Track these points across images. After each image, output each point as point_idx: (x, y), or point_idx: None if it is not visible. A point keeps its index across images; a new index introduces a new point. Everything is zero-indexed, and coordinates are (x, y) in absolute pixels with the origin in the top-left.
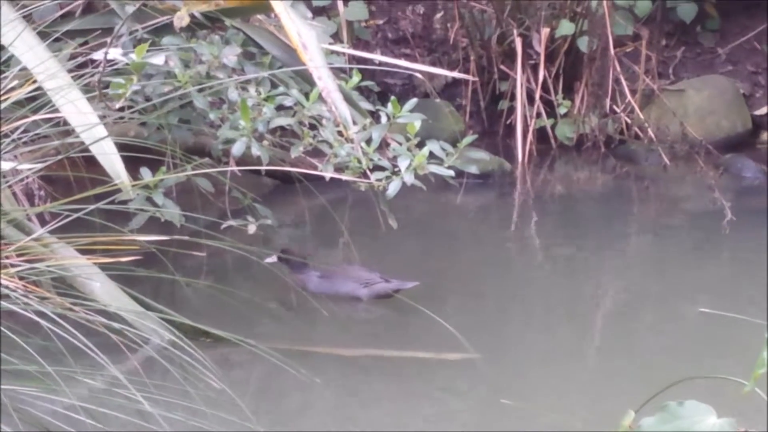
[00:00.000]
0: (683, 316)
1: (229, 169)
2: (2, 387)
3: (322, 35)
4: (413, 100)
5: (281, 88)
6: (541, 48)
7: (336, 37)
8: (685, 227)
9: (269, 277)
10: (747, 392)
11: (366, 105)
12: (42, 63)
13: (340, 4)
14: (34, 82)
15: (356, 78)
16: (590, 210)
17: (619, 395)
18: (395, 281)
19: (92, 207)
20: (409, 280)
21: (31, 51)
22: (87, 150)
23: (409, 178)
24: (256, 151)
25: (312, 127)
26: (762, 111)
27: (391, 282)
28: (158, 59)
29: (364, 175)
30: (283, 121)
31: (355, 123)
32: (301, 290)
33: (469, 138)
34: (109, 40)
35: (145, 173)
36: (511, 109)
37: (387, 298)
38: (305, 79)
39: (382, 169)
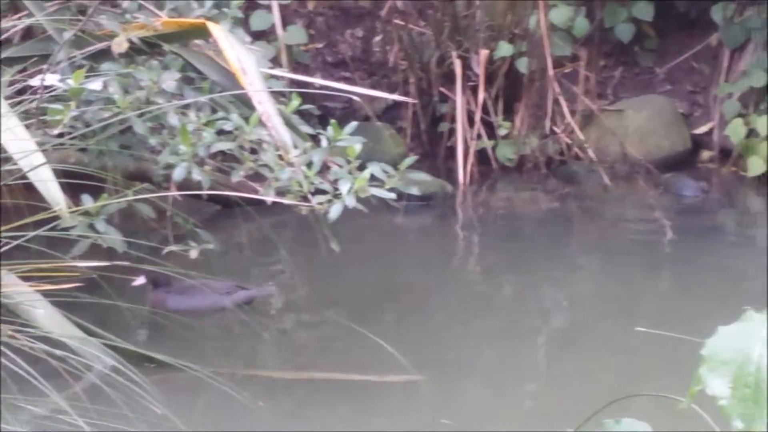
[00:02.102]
0: (625, 334)
1: (171, 194)
2: None
3: (261, 59)
4: (353, 124)
5: (221, 113)
6: (480, 70)
7: (275, 61)
8: (626, 246)
9: None
10: (684, 409)
11: (306, 128)
12: None
13: (279, 28)
14: None
15: (296, 102)
16: (532, 231)
17: (560, 414)
18: (254, 288)
19: (33, 234)
20: (267, 286)
21: None
22: (26, 177)
23: (351, 201)
24: (197, 176)
25: (253, 151)
26: (701, 130)
27: (251, 289)
28: (96, 84)
29: (306, 199)
30: (224, 145)
31: (295, 147)
32: (161, 310)
33: (410, 160)
34: (46, 66)
35: (86, 200)
36: (452, 131)
37: (249, 304)
38: (245, 104)
39: (323, 192)
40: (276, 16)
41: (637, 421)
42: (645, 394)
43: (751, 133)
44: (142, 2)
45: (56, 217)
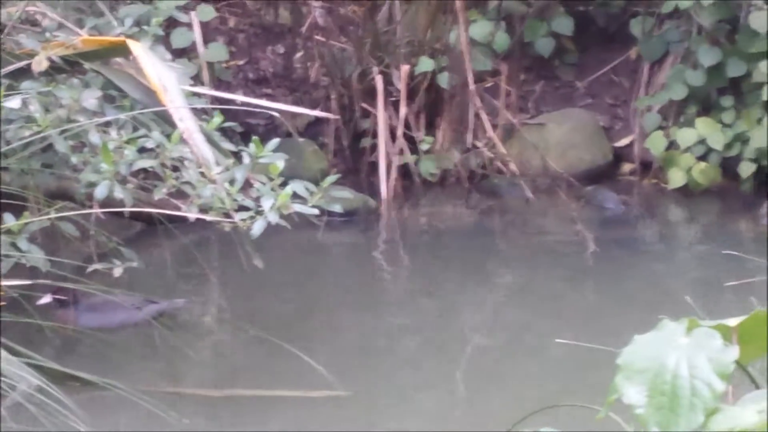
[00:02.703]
0: (548, 346)
1: (93, 212)
2: None
3: (182, 77)
4: (275, 140)
5: (143, 131)
6: (401, 85)
7: (197, 79)
8: (549, 260)
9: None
10: (601, 418)
11: (228, 146)
12: None
13: (200, 46)
14: None
15: (218, 119)
16: (455, 245)
17: (483, 426)
18: (164, 301)
19: None
20: (176, 299)
21: None
22: None
23: (273, 218)
24: (119, 194)
25: (175, 168)
26: (622, 143)
27: (160, 303)
28: (15, 103)
29: (228, 216)
30: (146, 163)
31: (217, 164)
32: (70, 327)
33: (333, 177)
34: None
35: (8, 218)
36: (374, 147)
37: (160, 317)
38: (167, 121)
39: (246, 209)
40: (197, 34)
41: (552, 430)
42: (564, 405)
43: (671, 145)
44: (62, 21)
45: None
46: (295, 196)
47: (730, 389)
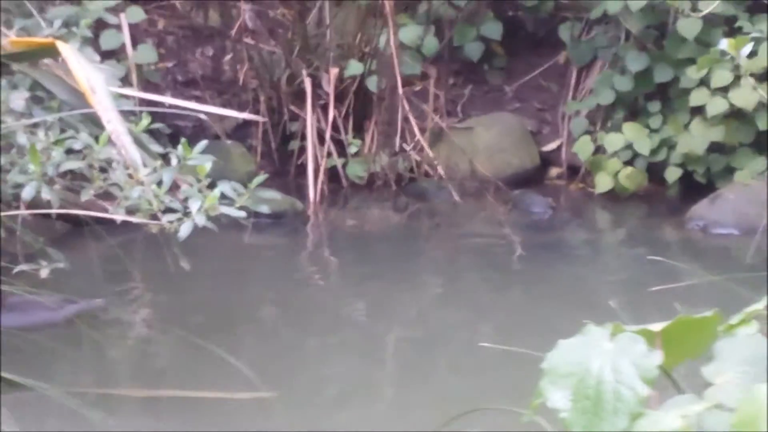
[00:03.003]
0: (474, 350)
1: (20, 213)
2: None
3: (110, 78)
4: (203, 142)
5: (70, 132)
6: (330, 88)
7: (126, 81)
8: (476, 263)
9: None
10: (526, 422)
11: (156, 147)
12: None
13: (129, 48)
14: None
15: (146, 121)
16: (383, 247)
17: (409, 428)
18: (83, 301)
19: None
20: (95, 299)
21: None
22: None
23: (201, 220)
24: (46, 195)
25: (102, 170)
26: (550, 147)
27: (79, 302)
28: None
29: (156, 218)
30: (73, 164)
31: (145, 165)
32: None
33: (260, 178)
34: None
35: None
36: (303, 149)
37: (82, 317)
38: (95, 123)
39: (173, 211)
40: (126, 36)
41: None
42: (489, 408)
43: (599, 150)
44: None
45: None
46: (223, 198)
47: (655, 394)
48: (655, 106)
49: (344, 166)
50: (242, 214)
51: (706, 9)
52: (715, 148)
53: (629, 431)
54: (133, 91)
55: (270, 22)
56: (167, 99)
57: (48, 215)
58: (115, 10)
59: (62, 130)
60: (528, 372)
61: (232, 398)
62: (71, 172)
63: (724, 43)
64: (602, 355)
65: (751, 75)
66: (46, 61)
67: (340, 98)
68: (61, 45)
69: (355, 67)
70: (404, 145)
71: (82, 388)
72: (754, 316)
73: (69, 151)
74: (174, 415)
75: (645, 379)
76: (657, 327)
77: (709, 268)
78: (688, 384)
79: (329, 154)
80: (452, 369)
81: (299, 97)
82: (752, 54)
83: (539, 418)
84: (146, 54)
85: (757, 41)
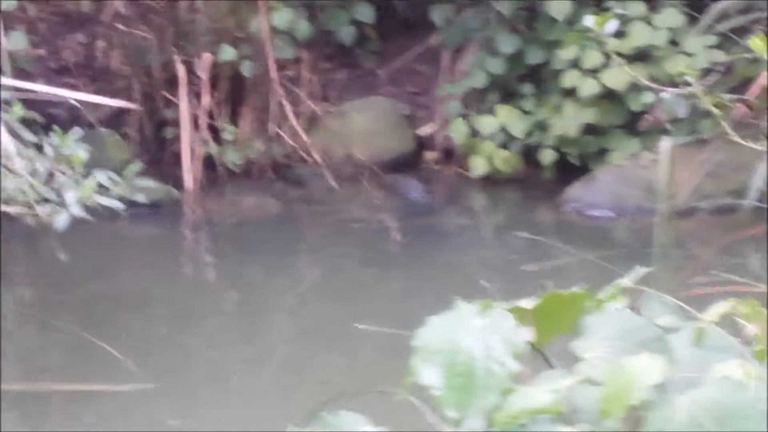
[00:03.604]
0: (353, 334)
1: None
2: None
3: None
4: (78, 131)
5: None
6: (204, 74)
7: None
8: (354, 248)
9: None
10: (400, 400)
11: (30, 136)
12: None
13: (0, 35)
14: None
15: (19, 109)
16: (260, 234)
17: (289, 412)
18: None
19: None
20: None
21: None
22: None
23: (77, 210)
24: None
25: None
26: (425, 131)
27: None
28: None
29: (32, 208)
30: None
31: (20, 155)
32: None
33: (135, 166)
34: None
35: None
36: (178, 137)
37: None
38: None
39: (50, 200)
40: None
41: (354, 414)
42: (366, 391)
43: (473, 133)
44: None
45: None
46: (99, 187)
47: (527, 371)
48: (528, 89)
49: (220, 153)
50: (118, 203)
51: None
52: (588, 129)
53: (500, 408)
54: (5, 80)
55: (142, 8)
56: (40, 87)
57: None
58: None
59: None
60: (403, 353)
61: (114, 390)
62: None
63: (589, 20)
64: (472, 331)
65: (623, 56)
66: None
67: (214, 84)
68: None
69: (228, 53)
70: (279, 131)
71: None
72: (622, 291)
73: None
74: (57, 407)
75: (515, 354)
76: (528, 304)
77: (584, 249)
78: (561, 360)
79: (204, 141)
80: (330, 353)
81: (173, 83)
82: (623, 34)
83: (412, 397)
84: (18, 41)
85: (629, 22)
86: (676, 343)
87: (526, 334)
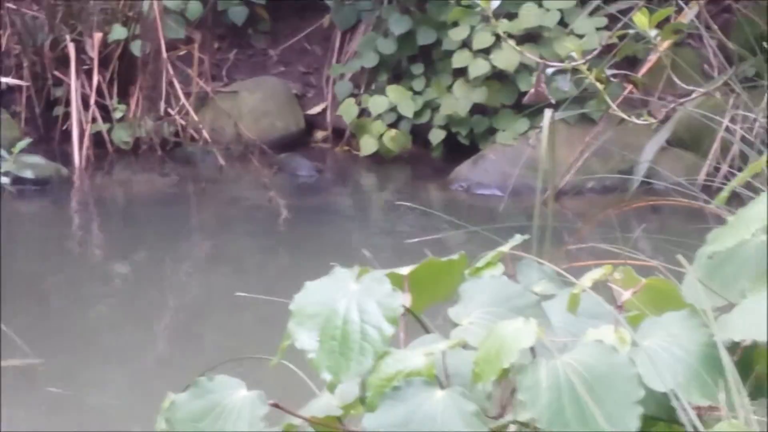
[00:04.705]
0: (237, 306)
1: None
2: None
3: None
4: None
5: None
6: (94, 53)
7: None
8: (242, 226)
9: None
10: (275, 365)
11: None
12: None
13: None
14: None
15: None
16: (149, 212)
17: (174, 381)
18: None
19: None
20: None
21: None
22: None
23: None
24: None
25: None
26: (315, 110)
27: None
28: None
29: None
30: None
31: None
32: None
33: (23, 143)
34: None
35: None
36: (67, 115)
37: None
38: None
39: None
40: None
41: (230, 378)
42: (246, 357)
43: (363, 112)
44: None
45: None
46: None
47: (404, 336)
48: (418, 69)
49: (109, 131)
50: (6, 180)
51: None
52: (477, 109)
53: (375, 371)
54: None
55: None
56: None
57: None
58: None
59: None
60: (285, 321)
61: (4, 365)
62: None
63: None
64: (348, 295)
65: (513, 37)
66: None
67: (104, 63)
68: None
69: (119, 32)
70: (169, 110)
71: None
72: (499, 259)
73: None
74: None
75: (390, 318)
76: (405, 270)
77: (470, 224)
78: (442, 328)
79: (94, 120)
80: (214, 326)
81: (63, 62)
82: (514, 16)
83: (288, 362)
84: None
85: (521, 4)
86: (551, 310)
87: (402, 299)
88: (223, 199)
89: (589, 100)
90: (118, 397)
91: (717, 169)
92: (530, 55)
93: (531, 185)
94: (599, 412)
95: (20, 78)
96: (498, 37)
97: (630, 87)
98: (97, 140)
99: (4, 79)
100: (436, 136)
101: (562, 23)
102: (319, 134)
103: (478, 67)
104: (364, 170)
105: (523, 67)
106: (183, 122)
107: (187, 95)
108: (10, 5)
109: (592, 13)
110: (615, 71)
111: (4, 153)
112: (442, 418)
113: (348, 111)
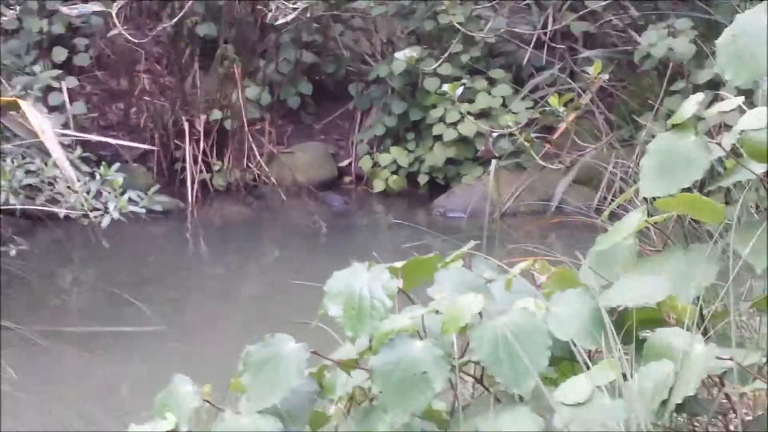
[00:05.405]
0: (294, 289)
1: None
2: None
3: (55, 124)
4: (116, 165)
5: (28, 159)
6: (201, 128)
7: (66, 126)
8: (297, 239)
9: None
10: (313, 327)
11: (86, 168)
12: None
13: (67, 104)
14: None
15: (79, 151)
16: (237, 231)
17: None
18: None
19: None
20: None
21: None
22: None
23: (116, 214)
24: (13, 200)
25: (50, 183)
26: (344, 163)
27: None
28: None
29: (86, 215)
30: (31, 180)
31: (79, 180)
32: None
33: (155, 188)
34: None
35: None
36: (183, 168)
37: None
38: (45, 153)
39: (97, 209)
40: (65, 96)
41: (285, 335)
42: (293, 322)
43: (375, 164)
44: None
45: None
46: (131, 201)
47: (398, 306)
48: (411, 136)
49: (211, 178)
50: (142, 210)
51: (443, 71)
52: (450, 161)
53: (379, 329)
54: (71, 132)
55: (161, 85)
56: (93, 137)
57: (13, 213)
58: (57, 79)
59: (23, 157)
60: (320, 299)
61: (139, 331)
62: (29, 185)
63: (446, 87)
64: (362, 280)
65: (471, 114)
66: (12, 113)
67: (207, 134)
68: (22, 103)
69: (216, 114)
70: (249, 164)
71: (41, 326)
72: (461, 257)
73: (27, 172)
74: (101, 345)
75: (389, 295)
76: (399, 264)
77: (444, 235)
78: (423, 301)
79: (201, 171)
80: (277, 303)
81: (181, 134)
82: (472, 101)
83: (323, 325)
84: (79, 108)
85: (477, 93)
86: (494, 289)
87: (397, 283)
88: (284, 222)
89: (521, 154)
90: (217, 350)
91: (605, 198)
92: (483, 125)
93: (483, 210)
94: (523, 355)
95: (153, 144)
96: (462, 115)
97: (548, 145)
98: (203, 185)
99: (142, 145)
100: (423, 179)
101: (504, 105)
102: (347, 179)
103: (450, 134)
104: (375, 202)
105: (479, 134)
106: (258, 172)
107: (261, 155)
108: (147, 98)
109: (523, 99)
110: (538, 135)
111: (141, 194)
112: (421, 359)
113: (365, 163)
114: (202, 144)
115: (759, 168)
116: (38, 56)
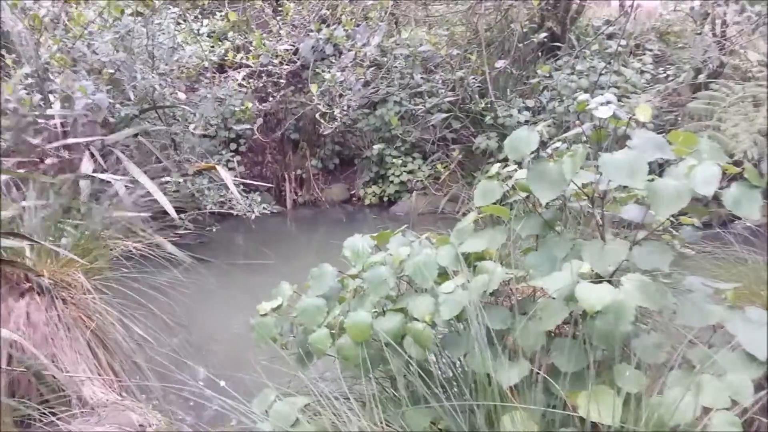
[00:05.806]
0: (334, 247)
1: (194, 213)
2: None
3: (230, 175)
4: (257, 192)
5: (220, 189)
6: (293, 176)
7: (235, 176)
8: (334, 225)
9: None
10: (341, 258)
11: (243, 193)
12: None
13: (236, 166)
14: None
15: (240, 187)
16: (309, 221)
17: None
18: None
19: None
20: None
21: None
22: None
23: (257, 213)
24: (212, 207)
25: (229, 199)
26: (352, 191)
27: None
28: None
29: (245, 213)
30: (221, 198)
31: (241, 198)
32: None
33: (272, 202)
34: None
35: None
36: (285, 193)
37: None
38: (226, 186)
39: (250, 210)
40: (234, 164)
41: (328, 265)
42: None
43: (365, 192)
44: None
45: None
46: (264, 207)
47: (376, 253)
48: (381, 181)
49: (296, 198)
50: (267, 211)
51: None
52: (397, 191)
53: (367, 262)
54: (237, 179)
55: (275, 159)
56: (247, 180)
57: (213, 213)
58: (232, 157)
59: (217, 188)
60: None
61: (269, 263)
62: (221, 201)
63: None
64: (359, 241)
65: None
66: (213, 170)
67: (295, 179)
68: (217, 166)
69: (299, 171)
70: (313, 192)
71: (232, 260)
72: (401, 232)
73: (220, 195)
74: (252, 271)
75: (371, 246)
76: (375, 235)
77: (397, 224)
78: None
79: (292, 194)
80: (327, 251)
81: (284, 179)
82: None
83: (344, 259)
84: (240, 169)
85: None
86: (414, 245)
87: (373, 242)
88: (327, 218)
89: (425, 188)
90: (303, 274)
91: (462, 207)
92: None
93: (412, 211)
94: (426, 272)
95: (272, 183)
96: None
97: (437, 184)
98: (294, 202)
99: (267, 184)
100: (386, 197)
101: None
102: (353, 199)
103: (396, 180)
104: (365, 209)
105: (410, 180)
106: (316, 196)
107: (318, 188)
108: (269, 164)
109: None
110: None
111: (266, 205)
112: (384, 274)
113: (361, 192)
114: (293, 183)
115: (523, 194)
116: (223, 147)
